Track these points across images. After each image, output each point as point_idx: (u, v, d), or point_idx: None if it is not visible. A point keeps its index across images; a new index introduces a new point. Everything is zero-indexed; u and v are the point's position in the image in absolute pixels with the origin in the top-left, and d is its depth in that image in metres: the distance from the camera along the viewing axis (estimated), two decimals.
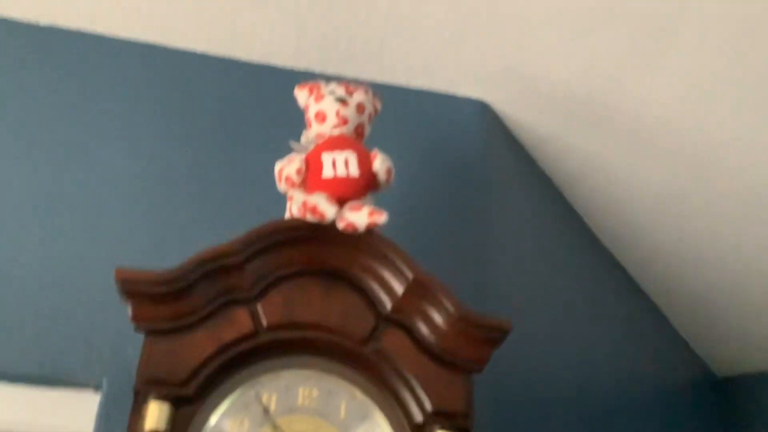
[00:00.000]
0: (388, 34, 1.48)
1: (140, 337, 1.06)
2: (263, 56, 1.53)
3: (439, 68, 1.56)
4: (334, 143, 1.14)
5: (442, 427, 1.06)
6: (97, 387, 1.22)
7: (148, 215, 1.36)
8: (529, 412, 1.52)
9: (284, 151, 1.21)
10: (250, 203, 1.38)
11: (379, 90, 1.35)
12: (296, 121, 1.28)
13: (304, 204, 1.07)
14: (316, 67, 1.55)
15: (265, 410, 1.06)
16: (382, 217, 1.07)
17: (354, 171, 1.11)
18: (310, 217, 1.09)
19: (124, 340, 1.23)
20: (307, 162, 1.13)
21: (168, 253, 1.25)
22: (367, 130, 1.22)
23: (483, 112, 1.61)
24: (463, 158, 1.57)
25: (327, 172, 1.11)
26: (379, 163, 1.14)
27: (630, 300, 2.15)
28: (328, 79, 1.52)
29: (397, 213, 1.22)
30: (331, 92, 1.20)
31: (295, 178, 1.12)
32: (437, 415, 1.06)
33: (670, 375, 2.37)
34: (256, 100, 1.51)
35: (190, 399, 1.02)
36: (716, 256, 2.01)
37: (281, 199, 1.20)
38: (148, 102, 1.46)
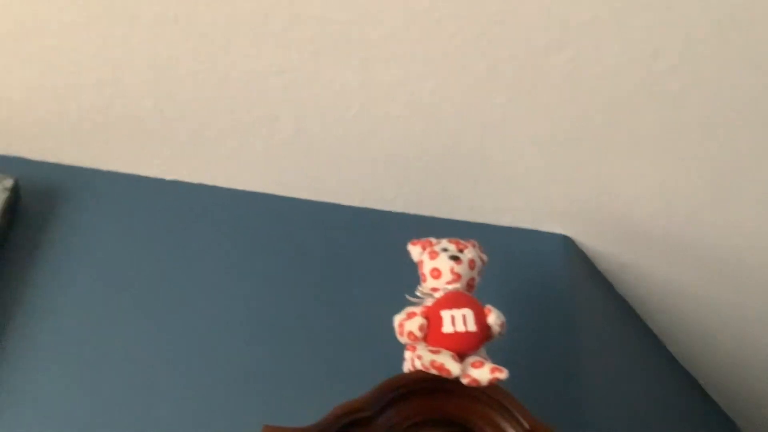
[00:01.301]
0: (479, 178, 1.61)
1: None
2: (363, 201, 1.66)
3: (525, 206, 1.68)
4: (452, 301, 1.25)
5: None
6: None
7: (262, 366, 1.47)
8: None
9: (386, 295, 1.33)
10: (362, 353, 1.49)
11: (470, 228, 1.46)
12: (397, 262, 1.40)
13: (432, 362, 1.17)
14: (412, 209, 1.68)
15: None
16: (503, 374, 1.17)
17: (472, 327, 1.22)
18: (435, 373, 1.19)
19: None
20: (427, 317, 1.24)
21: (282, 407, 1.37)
22: (478, 281, 1.33)
23: (566, 245, 1.72)
24: (549, 289, 1.68)
25: (447, 329, 1.22)
26: (494, 319, 1.24)
27: (703, 413, 2.21)
28: (422, 220, 1.65)
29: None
30: (444, 249, 1.32)
31: (418, 334, 1.23)
32: None
33: None
34: (359, 244, 1.63)
35: None
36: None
37: (390, 350, 1.31)
38: (263, 251, 1.59)
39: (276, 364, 1.48)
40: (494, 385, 1.21)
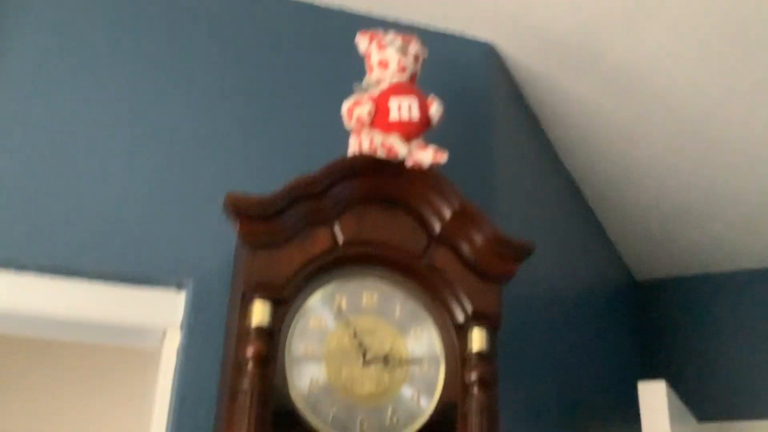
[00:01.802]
0: None
1: (219, 247, 1.33)
2: None
3: (455, 9, 1.75)
4: (399, 90, 1.35)
5: (479, 326, 1.33)
6: (179, 287, 1.42)
7: (229, 146, 1.54)
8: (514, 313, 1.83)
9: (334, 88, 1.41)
10: (314, 138, 1.57)
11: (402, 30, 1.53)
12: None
13: (383, 144, 1.28)
14: (358, 6, 1.71)
15: (339, 309, 1.31)
16: (444, 156, 1.30)
17: (416, 115, 1.33)
18: (381, 153, 1.31)
19: (205, 248, 1.43)
20: (375, 104, 1.34)
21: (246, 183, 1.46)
22: (418, 75, 1.43)
23: (489, 52, 1.83)
24: (469, 93, 1.80)
25: (393, 116, 1.32)
26: (435, 109, 1.35)
27: (578, 216, 2.49)
28: (359, 17, 1.70)
29: None
30: (392, 42, 1.40)
31: (366, 119, 1.33)
32: (476, 317, 1.34)
33: (598, 279, 2.75)
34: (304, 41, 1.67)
35: (284, 300, 1.25)
36: (656, 174, 2.35)
37: (336, 135, 1.41)
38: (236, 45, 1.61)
39: (232, 138, 1.54)
40: (432, 169, 1.35)
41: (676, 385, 2.77)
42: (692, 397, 2.76)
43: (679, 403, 2.08)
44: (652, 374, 2.82)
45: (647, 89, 1.95)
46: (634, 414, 2.10)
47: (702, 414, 2.76)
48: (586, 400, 2.28)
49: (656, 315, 3.07)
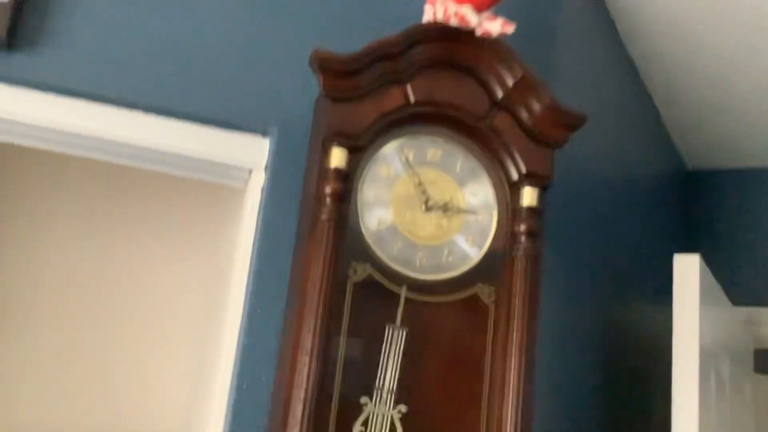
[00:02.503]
0: None
1: (301, 98, 1.50)
2: None
3: None
4: None
5: (531, 185, 1.49)
6: (264, 133, 1.60)
7: (315, 7, 1.67)
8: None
9: None
10: (391, 4, 1.69)
11: None
12: None
13: (456, 13, 1.41)
14: None
15: (407, 160, 1.48)
16: (511, 27, 1.43)
17: None
18: (454, 22, 1.43)
19: (289, 99, 1.60)
20: None
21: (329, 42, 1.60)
22: None
23: None
24: None
25: None
26: None
27: (636, 101, 2.58)
28: None
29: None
30: None
31: None
32: (528, 176, 1.49)
33: (649, 163, 2.86)
34: None
35: (359, 148, 1.42)
36: (720, 65, 2.41)
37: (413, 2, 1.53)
38: None
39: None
40: (499, 40, 1.47)
41: (715, 270, 2.91)
42: (729, 282, 2.91)
43: (713, 281, 2.23)
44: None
45: None
46: (670, 288, 2.25)
47: (736, 299, 2.91)
48: (626, 274, 2.45)
49: (703, 203, 3.19)
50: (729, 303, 2.44)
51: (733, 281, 2.97)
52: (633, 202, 2.65)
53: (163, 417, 2.10)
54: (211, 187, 1.71)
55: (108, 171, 2.00)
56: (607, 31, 2.27)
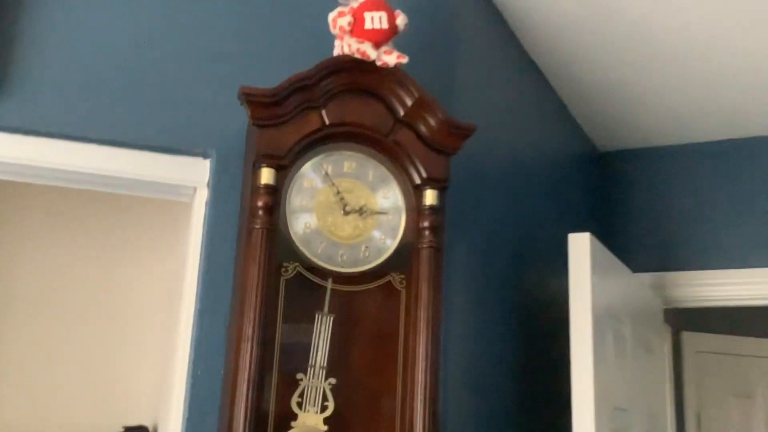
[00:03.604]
0: None
1: (235, 126, 1.77)
2: None
3: None
4: (372, 5, 1.73)
5: (431, 187, 1.78)
6: (204, 156, 1.86)
7: (243, 43, 1.93)
8: (470, 175, 2.28)
9: None
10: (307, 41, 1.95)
11: None
12: None
13: (358, 49, 1.69)
14: None
15: (326, 173, 1.76)
16: (404, 59, 1.71)
17: (385, 25, 1.72)
18: (357, 56, 1.71)
19: (225, 127, 1.86)
20: (353, 16, 1.73)
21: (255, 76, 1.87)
22: None
23: None
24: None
25: (368, 25, 1.72)
26: (401, 20, 1.74)
27: (540, 95, 2.90)
28: None
29: None
30: None
31: (347, 28, 1.72)
32: (429, 180, 1.78)
33: (559, 150, 3.18)
34: None
35: (285, 166, 1.70)
36: (604, 50, 2.70)
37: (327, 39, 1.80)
38: None
39: (246, 36, 1.94)
40: (397, 68, 1.76)
41: (624, 241, 3.26)
42: (635, 251, 3.26)
43: (610, 254, 2.55)
44: (602, 231, 3.31)
45: None
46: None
47: (645, 266, 3.26)
48: (542, 252, 2.77)
49: (615, 182, 3.52)
50: (629, 271, 2.77)
51: (643, 250, 3.33)
52: (549, 186, 2.97)
53: (134, 407, 2.36)
54: (163, 204, 1.98)
55: (77, 194, 2.24)
56: (504, 32, 2.57)
